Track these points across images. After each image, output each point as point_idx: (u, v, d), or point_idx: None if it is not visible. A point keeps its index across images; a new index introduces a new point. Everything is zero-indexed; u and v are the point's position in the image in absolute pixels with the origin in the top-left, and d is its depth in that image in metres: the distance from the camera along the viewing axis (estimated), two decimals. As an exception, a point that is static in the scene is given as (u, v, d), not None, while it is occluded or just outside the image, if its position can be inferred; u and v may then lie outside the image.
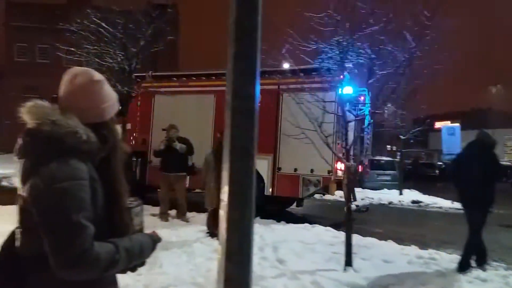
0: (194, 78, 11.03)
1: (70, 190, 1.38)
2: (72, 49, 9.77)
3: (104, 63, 9.09)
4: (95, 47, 9.37)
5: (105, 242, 1.46)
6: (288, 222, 8.93)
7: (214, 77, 10.86)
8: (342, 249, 5.69)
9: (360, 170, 12.93)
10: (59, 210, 1.37)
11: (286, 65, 13.18)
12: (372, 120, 10.72)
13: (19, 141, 1.51)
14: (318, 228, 8.41)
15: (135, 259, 1.61)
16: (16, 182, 1.53)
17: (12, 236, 1.56)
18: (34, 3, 33.83)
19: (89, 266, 1.38)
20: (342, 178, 10.58)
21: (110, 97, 1.67)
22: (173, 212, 9.05)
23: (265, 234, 7.14)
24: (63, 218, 1.36)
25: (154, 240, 1.76)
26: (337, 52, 5.59)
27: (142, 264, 1.73)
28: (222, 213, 2.12)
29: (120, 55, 9.14)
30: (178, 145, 8.59)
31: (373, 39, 5.48)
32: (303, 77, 7.40)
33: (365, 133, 10.42)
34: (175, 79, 10.91)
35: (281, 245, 6.49)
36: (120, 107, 1.95)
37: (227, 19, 2.05)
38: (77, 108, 1.54)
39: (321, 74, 8.12)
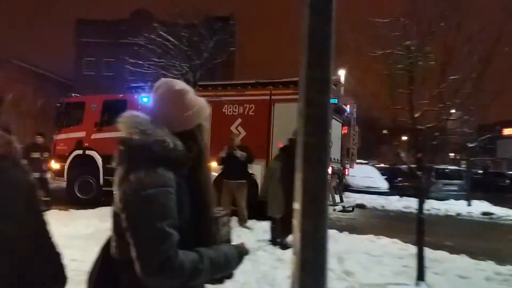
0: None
1: (156, 197, 1.40)
2: (140, 62, 10.24)
3: (170, 75, 9.44)
4: (162, 60, 9.77)
5: (190, 251, 1.47)
6: (351, 232, 8.71)
7: (210, 87, 11.34)
8: (412, 262, 5.44)
9: (346, 174, 13.35)
10: (145, 216, 1.39)
11: (342, 72, 13.12)
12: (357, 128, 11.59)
13: (117, 149, 1.58)
14: (384, 239, 8.11)
15: (220, 270, 1.59)
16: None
17: (110, 239, 1.62)
18: (101, 20, 36.15)
19: (173, 274, 1.38)
20: (329, 181, 10.75)
21: (194, 104, 1.65)
22: (233, 219, 9.13)
23: (328, 244, 6.97)
24: (148, 224, 1.38)
25: (241, 251, 1.72)
26: (406, 57, 5.39)
27: (230, 276, 1.70)
28: (296, 222, 2.09)
29: (185, 67, 9.45)
30: (239, 153, 8.69)
31: (444, 42, 5.25)
32: (292, 88, 8.39)
33: (351, 138, 11.24)
34: None
35: (346, 256, 6.33)
36: None
37: (287, 27, 2.03)
38: (162, 118, 1.58)
39: None
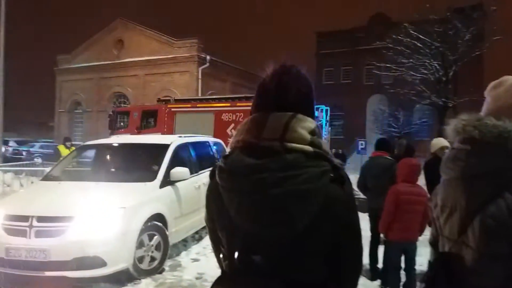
0: (199, 101, 15.77)
1: None
2: (388, 65, 10.08)
3: (419, 75, 8.97)
4: (410, 60, 9.37)
5: None
6: None
7: (212, 101, 15.41)
8: None
9: None
10: None
11: None
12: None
13: (457, 158, 1.42)
14: None
15: None
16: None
17: (448, 258, 1.45)
18: (338, 30, 37.29)
19: None
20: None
21: None
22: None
23: None
24: None
25: None
26: None
27: None
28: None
29: (435, 64, 8.79)
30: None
31: None
32: None
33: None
34: (190, 101, 15.69)
35: None
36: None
37: None
38: None
39: None
